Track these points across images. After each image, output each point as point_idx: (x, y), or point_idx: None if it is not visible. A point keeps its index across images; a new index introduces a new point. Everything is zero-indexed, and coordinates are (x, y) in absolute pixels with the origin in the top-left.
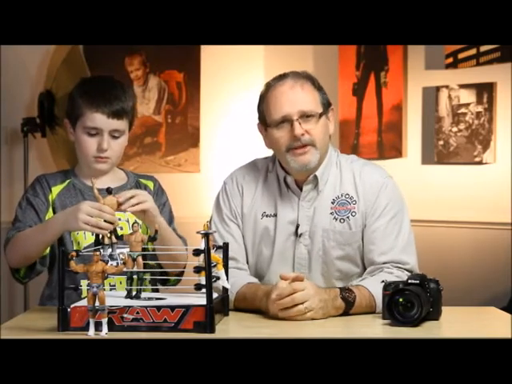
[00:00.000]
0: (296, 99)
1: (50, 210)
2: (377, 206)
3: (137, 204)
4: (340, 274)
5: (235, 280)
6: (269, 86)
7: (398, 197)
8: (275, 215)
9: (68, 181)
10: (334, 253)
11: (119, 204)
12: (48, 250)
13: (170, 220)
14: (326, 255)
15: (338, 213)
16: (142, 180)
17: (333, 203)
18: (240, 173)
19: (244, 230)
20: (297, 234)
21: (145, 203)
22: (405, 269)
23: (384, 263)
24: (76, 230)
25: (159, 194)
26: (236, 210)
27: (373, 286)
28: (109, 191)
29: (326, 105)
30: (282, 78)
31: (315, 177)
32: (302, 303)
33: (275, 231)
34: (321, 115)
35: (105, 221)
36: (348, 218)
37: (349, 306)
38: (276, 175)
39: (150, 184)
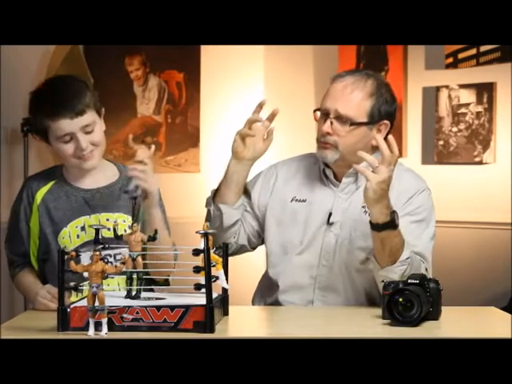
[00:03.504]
0: (340, 99)
1: (36, 217)
2: (406, 205)
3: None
4: (361, 266)
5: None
6: (334, 77)
7: (429, 206)
8: (304, 200)
9: (52, 182)
10: (357, 242)
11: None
12: (36, 266)
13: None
14: (351, 244)
15: None
16: None
17: None
18: (286, 160)
19: (269, 208)
20: (328, 222)
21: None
22: None
23: None
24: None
25: None
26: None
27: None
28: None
29: (376, 117)
30: (347, 74)
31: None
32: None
33: (309, 217)
34: (360, 124)
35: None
36: None
37: (391, 222)
38: (319, 166)
39: None
